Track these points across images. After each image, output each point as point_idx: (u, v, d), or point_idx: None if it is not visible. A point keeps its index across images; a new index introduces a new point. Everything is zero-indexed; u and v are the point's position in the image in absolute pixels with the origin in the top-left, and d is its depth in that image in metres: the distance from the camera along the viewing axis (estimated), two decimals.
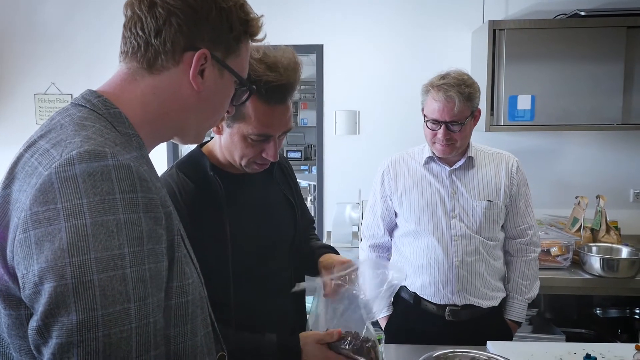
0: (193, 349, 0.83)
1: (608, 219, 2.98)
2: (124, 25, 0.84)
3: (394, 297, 2.12)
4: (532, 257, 2.03)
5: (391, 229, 2.10)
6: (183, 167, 1.34)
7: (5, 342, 0.74)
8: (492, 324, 1.97)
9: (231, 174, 1.35)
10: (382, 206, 2.07)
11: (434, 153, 1.94)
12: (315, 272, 1.46)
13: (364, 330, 1.33)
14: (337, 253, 1.53)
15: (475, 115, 1.88)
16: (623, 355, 1.67)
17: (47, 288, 0.65)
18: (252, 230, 1.36)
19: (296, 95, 6.98)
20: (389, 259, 2.15)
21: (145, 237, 0.70)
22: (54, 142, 0.73)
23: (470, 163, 1.94)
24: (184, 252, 0.82)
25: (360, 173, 3.41)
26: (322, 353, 1.28)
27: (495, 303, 1.97)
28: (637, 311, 2.85)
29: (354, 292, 1.32)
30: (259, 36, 0.93)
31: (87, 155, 0.69)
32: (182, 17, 0.81)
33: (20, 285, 0.69)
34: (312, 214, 1.70)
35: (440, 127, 1.82)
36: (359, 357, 1.27)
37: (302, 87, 6.64)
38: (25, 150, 0.77)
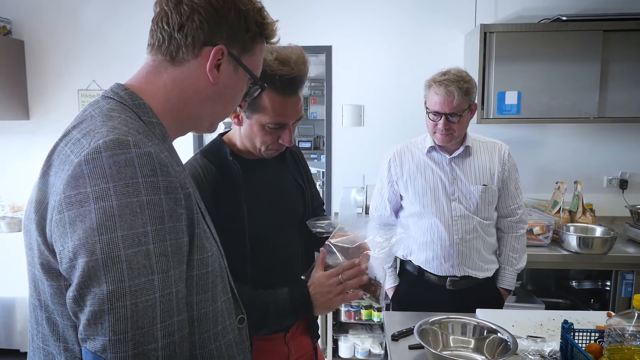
0: (214, 314, 0.84)
1: (584, 202, 2.98)
2: (152, 20, 0.85)
3: (400, 269, 2.18)
4: (521, 233, 2.06)
5: (397, 210, 2.13)
6: (206, 153, 1.36)
7: (50, 308, 0.76)
8: (486, 292, 2.02)
9: (248, 159, 1.37)
10: (388, 190, 2.09)
11: (434, 142, 1.96)
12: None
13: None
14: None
15: (472, 108, 1.88)
16: (596, 321, 1.70)
17: (81, 263, 0.66)
18: (266, 208, 1.37)
19: (306, 92, 7.02)
20: None
21: (166, 216, 0.70)
22: (84, 132, 0.74)
23: (467, 151, 1.96)
24: (203, 228, 0.82)
25: (364, 161, 3.44)
26: (327, 280, 1.25)
27: (490, 274, 2.01)
28: (608, 283, 2.85)
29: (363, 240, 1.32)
30: (274, 39, 0.93)
31: (112, 144, 0.69)
32: (204, 14, 0.81)
33: (58, 260, 0.70)
34: (322, 197, 1.71)
35: (440, 119, 1.83)
36: (361, 290, 1.27)
37: (312, 84, 6.61)
38: (61, 139, 0.78)
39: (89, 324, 0.66)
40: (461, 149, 1.95)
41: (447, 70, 1.86)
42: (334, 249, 1.32)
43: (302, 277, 1.31)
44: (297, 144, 1.59)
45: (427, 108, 1.89)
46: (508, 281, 2.06)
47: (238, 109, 1.27)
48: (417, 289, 2.05)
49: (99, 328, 0.65)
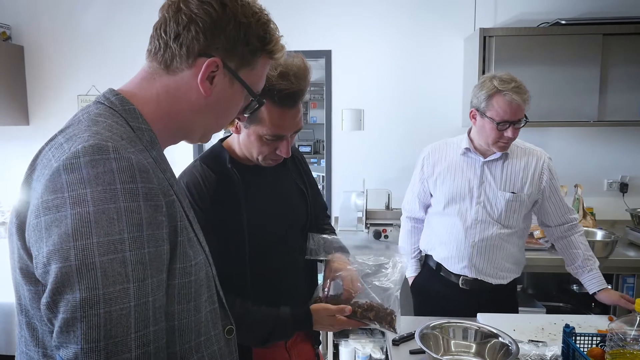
0: (197, 324, 0.82)
1: (585, 205, 2.98)
2: (154, 26, 0.84)
3: (424, 261, 2.20)
4: (582, 232, 2.00)
5: (426, 206, 2.15)
6: (206, 160, 1.35)
7: (30, 313, 0.74)
8: (500, 297, 2.00)
9: (248, 165, 1.36)
10: (419, 187, 2.11)
11: (471, 143, 1.93)
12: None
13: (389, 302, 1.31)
14: (347, 252, 1.50)
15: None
16: (597, 325, 1.70)
17: (54, 268, 0.64)
18: (266, 215, 1.36)
19: (306, 96, 7.01)
20: (421, 230, 2.20)
21: (145, 223, 0.68)
22: (68, 137, 0.73)
23: (503, 156, 1.92)
24: (188, 236, 0.80)
25: (364, 165, 3.44)
26: (332, 321, 1.29)
27: (504, 282, 1.98)
28: (609, 287, 2.85)
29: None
30: (277, 55, 0.90)
31: (92, 149, 0.68)
32: (201, 25, 0.79)
33: (34, 265, 0.69)
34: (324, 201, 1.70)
35: (509, 127, 1.77)
36: (373, 322, 1.27)
37: (312, 88, 6.63)
38: (47, 143, 0.77)
39: (62, 332, 0.65)
40: (498, 153, 1.90)
41: (508, 77, 1.77)
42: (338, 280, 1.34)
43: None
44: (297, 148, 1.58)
45: (490, 118, 1.78)
46: (598, 282, 1.90)
47: (236, 120, 1.26)
48: (434, 283, 2.06)
49: (72, 336, 0.64)
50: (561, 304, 3.01)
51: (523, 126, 1.80)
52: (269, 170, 1.38)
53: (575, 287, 3.10)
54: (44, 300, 0.66)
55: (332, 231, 1.61)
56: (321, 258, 1.40)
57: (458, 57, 3.29)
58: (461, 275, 1.97)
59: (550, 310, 2.78)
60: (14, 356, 3.27)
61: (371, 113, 3.44)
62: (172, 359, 0.78)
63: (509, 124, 1.76)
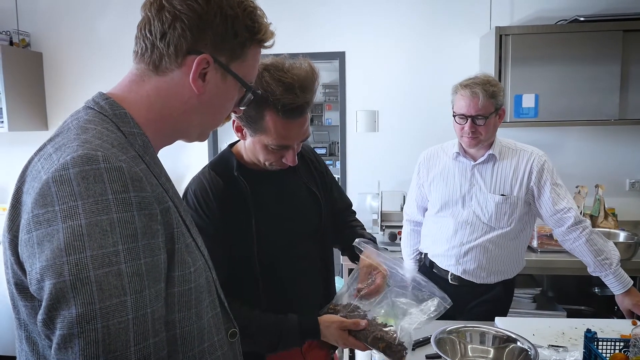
0: (199, 331, 0.81)
1: (606, 206, 2.92)
2: (137, 26, 0.81)
3: (422, 262, 2.24)
4: (587, 234, 1.86)
5: (425, 209, 2.20)
6: (214, 166, 1.34)
7: (29, 327, 0.73)
8: (491, 297, 2.01)
9: (256, 171, 1.34)
10: (416, 192, 2.19)
11: (461, 147, 1.98)
12: (354, 259, 1.48)
13: (399, 331, 1.24)
14: (375, 241, 1.49)
15: (499, 114, 1.89)
16: (620, 329, 1.65)
17: (48, 285, 0.63)
18: (276, 222, 1.34)
19: (321, 98, 7.02)
20: (419, 232, 2.24)
21: (139, 233, 0.67)
22: (56, 147, 0.71)
23: (492, 159, 1.94)
24: (186, 242, 0.78)
25: (379, 166, 3.42)
26: (342, 339, 1.27)
27: (491, 282, 1.99)
28: (629, 288, 2.78)
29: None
30: (268, 43, 0.86)
31: (80, 160, 0.66)
32: (187, 22, 0.77)
33: (28, 281, 0.67)
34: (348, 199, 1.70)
35: (467, 121, 1.85)
36: (381, 353, 1.21)
37: (327, 90, 6.62)
38: (36, 154, 0.75)
39: (59, 348, 0.63)
40: (485, 156, 1.93)
41: (475, 75, 1.90)
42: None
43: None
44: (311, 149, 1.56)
45: (453, 112, 1.91)
46: (619, 285, 1.85)
47: (238, 121, 1.25)
48: (428, 278, 2.07)
49: (69, 352, 0.62)
50: (583, 308, 2.95)
51: (483, 125, 1.83)
52: (277, 176, 1.36)
53: (597, 290, 3.03)
54: (39, 317, 0.65)
55: (361, 227, 1.61)
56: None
57: (474, 57, 3.25)
58: (449, 271, 2.02)
59: (571, 314, 2.72)
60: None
61: (386, 114, 3.42)
62: None
63: (467, 118, 1.84)
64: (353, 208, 1.68)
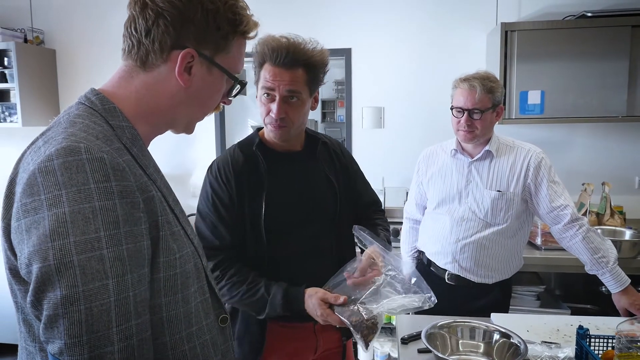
0: (187, 315, 0.84)
1: (615, 204, 2.87)
2: (124, 24, 0.84)
3: (419, 257, 2.24)
4: (584, 232, 1.84)
5: (424, 207, 2.21)
6: (240, 144, 1.49)
7: (25, 310, 0.77)
8: (488, 297, 1.98)
9: (277, 151, 1.45)
10: (415, 190, 2.21)
11: (459, 144, 1.99)
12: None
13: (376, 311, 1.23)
14: (389, 242, 1.51)
15: (497, 111, 1.89)
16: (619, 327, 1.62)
17: (35, 269, 0.67)
18: (288, 198, 1.42)
19: (333, 94, 7.01)
20: (418, 230, 2.24)
21: (121, 220, 0.70)
22: (46, 140, 0.74)
23: (488, 155, 1.94)
24: (172, 230, 0.81)
25: (384, 162, 3.42)
26: (320, 308, 1.28)
27: (489, 282, 1.96)
28: (639, 289, 2.74)
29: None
30: (251, 34, 0.89)
31: (64, 151, 0.69)
32: (169, 18, 0.79)
33: (19, 265, 0.71)
34: (375, 195, 1.72)
35: (463, 115, 1.86)
36: (351, 326, 1.21)
37: (339, 87, 6.62)
38: (29, 147, 0.78)
39: (46, 328, 0.67)
40: (481, 152, 1.93)
41: (475, 72, 1.91)
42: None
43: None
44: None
45: (451, 106, 1.92)
46: (615, 283, 1.85)
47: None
48: (426, 278, 2.03)
49: (55, 332, 0.66)
50: (589, 306, 2.89)
51: (479, 119, 1.84)
52: (298, 158, 1.47)
53: (603, 289, 2.98)
54: (28, 299, 0.69)
55: (384, 227, 1.60)
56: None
57: (480, 54, 3.22)
58: (446, 270, 2.01)
59: (575, 312, 2.68)
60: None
61: (391, 111, 3.41)
62: (162, 350, 0.80)
63: (464, 112, 1.85)
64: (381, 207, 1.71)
